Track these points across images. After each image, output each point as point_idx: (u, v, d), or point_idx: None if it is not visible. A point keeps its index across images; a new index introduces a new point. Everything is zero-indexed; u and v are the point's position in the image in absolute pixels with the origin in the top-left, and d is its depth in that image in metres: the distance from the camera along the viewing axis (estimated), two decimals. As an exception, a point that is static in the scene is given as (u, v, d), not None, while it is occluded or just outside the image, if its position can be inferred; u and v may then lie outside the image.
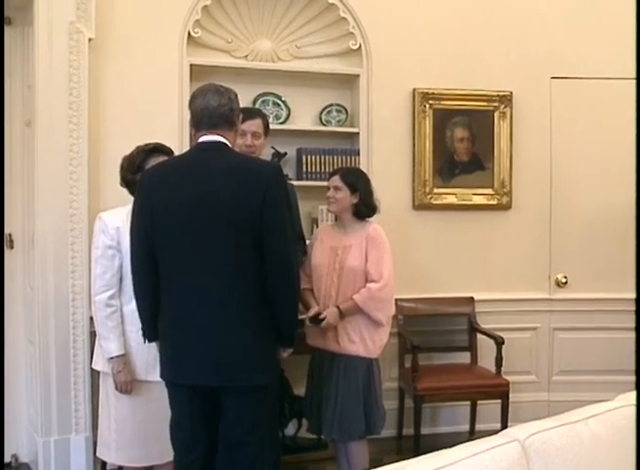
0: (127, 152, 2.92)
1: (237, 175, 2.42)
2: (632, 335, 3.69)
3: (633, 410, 1.93)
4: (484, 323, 4.22)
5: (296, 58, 4.21)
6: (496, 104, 4.34)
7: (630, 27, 3.64)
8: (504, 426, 3.69)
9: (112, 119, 3.74)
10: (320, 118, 4.26)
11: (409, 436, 3.92)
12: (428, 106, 4.26)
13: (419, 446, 3.73)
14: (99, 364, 2.88)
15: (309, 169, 4.12)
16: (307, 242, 3.42)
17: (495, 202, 4.38)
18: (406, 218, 4.26)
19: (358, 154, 4.18)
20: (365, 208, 3.23)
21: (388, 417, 3.42)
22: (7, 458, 3.70)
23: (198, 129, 2.52)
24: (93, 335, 3.08)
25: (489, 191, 4.37)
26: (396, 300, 3.46)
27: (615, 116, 4.30)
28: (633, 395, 2.02)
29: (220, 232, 2.38)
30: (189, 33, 3.91)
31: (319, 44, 4.23)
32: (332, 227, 3.37)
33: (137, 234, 2.51)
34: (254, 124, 3.15)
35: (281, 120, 4.17)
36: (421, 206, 4.28)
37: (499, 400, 3.86)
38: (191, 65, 3.89)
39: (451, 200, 4.33)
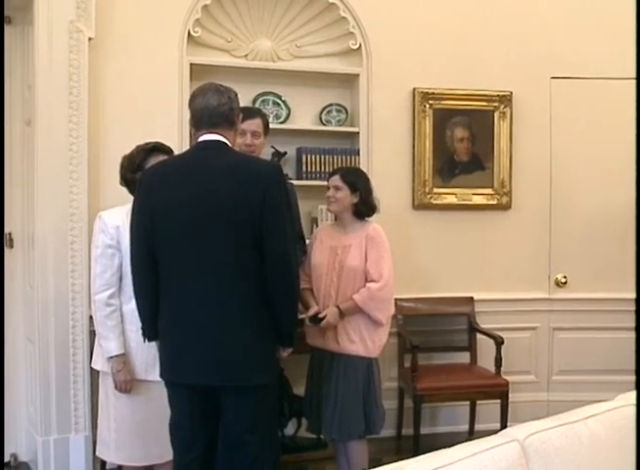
0: (127, 151, 2.92)
1: (237, 175, 2.41)
2: (632, 335, 3.69)
3: (633, 410, 1.93)
4: (484, 323, 4.22)
5: (296, 57, 4.21)
6: (496, 104, 4.34)
7: (630, 27, 3.63)
8: (503, 426, 3.69)
9: (111, 119, 3.74)
10: (320, 118, 4.25)
11: (408, 436, 3.92)
12: (428, 106, 4.26)
13: (418, 445, 3.73)
14: (98, 364, 2.88)
15: (309, 169, 4.12)
16: (307, 241, 3.42)
17: (495, 202, 4.38)
18: (406, 218, 4.26)
19: (358, 153, 4.17)
20: (365, 207, 3.23)
21: (388, 417, 3.42)
22: (6, 457, 3.70)
23: (198, 129, 2.52)
24: (93, 334, 3.07)
25: (489, 191, 4.37)
26: (396, 299, 3.46)
27: (615, 116, 4.30)
28: (633, 395, 2.02)
29: (220, 231, 2.38)
30: (189, 33, 3.91)
31: (319, 44, 4.23)
32: (331, 227, 3.37)
33: (137, 233, 2.51)
34: (254, 124, 3.15)
35: (281, 120, 4.17)
36: (421, 205, 4.28)
37: (498, 400, 3.86)
38: (191, 64, 3.89)
39: (451, 200, 4.33)
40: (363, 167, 3.94)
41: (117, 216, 2.81)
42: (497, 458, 1.63)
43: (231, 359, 2.41)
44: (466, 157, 4.35)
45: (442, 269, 4.30)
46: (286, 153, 4.09)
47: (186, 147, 3.51)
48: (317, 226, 4.03)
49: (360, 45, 4.16)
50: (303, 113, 4.26)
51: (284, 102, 4.19)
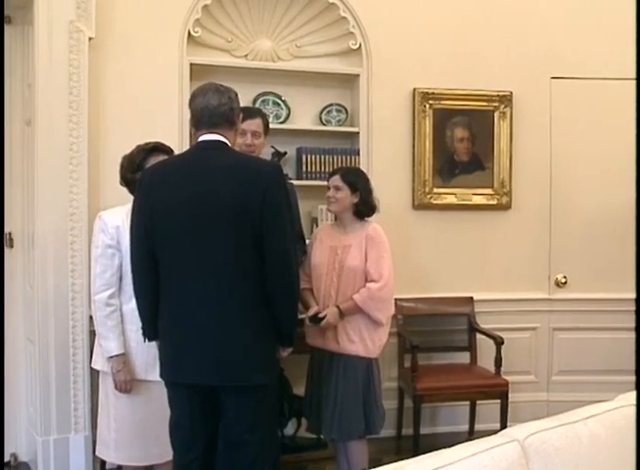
0: (127, 151, 2.92)
1: (237, 175, 2.41)
2: (632, 335, 3.69)
3: (633, 410, 1.93)
4: (484, 323, 4.22)
5: (296, 57, 4.21)
6: (496, 104, 4.34)
7: (630, 27, 3.63)
8: (503, 426, 3.69)
9: (112, 118, 3.74)
10: (320, 118, 4.25)
11: (408, 436, 3.92)
12: (428, 106, 4.26)
13: (418, 445, 3.73)
14: (98, 363, 2.88)
15: (309, 169, 4.12)
16: (307, 241, 3.42)
17: (495, 202, 4.38)
18: (406, 218, 4.26)
19: (358, 154, 4.17)
20: (365, 207, 3.23)
21: (388, 417, 3.42)
22: (6, 457, 3.70)
23: (198, 128, 2.51)
24: (93, 334, 3.07)
25: (489, 191, 4.37)
26: (396, 299, 3.46)
27: (614, 116, 4.30)
28: (633, 395, 2.02)
29: (220, 231, 2.38)
30: (189, 32, 3.91)
31: (319, 44, 4.23)
32: (331, 227, 3.37)
33: (137, 233, 2.51)
34: (254, 124, 3.15)
35: (281, 120, 4.17)
36: (421, 205, 4.28)
37: (498, 400, 3.86)
38: (191, 64, 3.89)
39: (451, 200, 4.33)
40: (363, 167, 3.94)
41: (117, 216, 2.80)
42: (497, 458, 1.63)
43: (231, 359, 2.41)
44: (466, 157, 4.35)
45: (442, 269, 4.30)
46: (286, 153, 4.09)
47: (186, 147, 3.51)
48: (317, 226, 4.02)
49: (360, 45, 4.16)
50: (303, 113, 4.26)
51: (284, 102, 4.19)
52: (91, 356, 3.07)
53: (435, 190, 4.30)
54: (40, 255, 3.43)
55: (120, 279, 2.79)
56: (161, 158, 2.78)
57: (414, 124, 4.25)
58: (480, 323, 4.23)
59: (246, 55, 4.14)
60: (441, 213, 4.32)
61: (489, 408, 3.97)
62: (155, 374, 2.64)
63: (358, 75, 4.18)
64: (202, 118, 2.48)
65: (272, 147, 4.00)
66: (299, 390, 3.55)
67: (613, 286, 4.30)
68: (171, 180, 2.47)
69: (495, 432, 1.81)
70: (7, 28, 3.66)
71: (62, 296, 3.45)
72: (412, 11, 4.22)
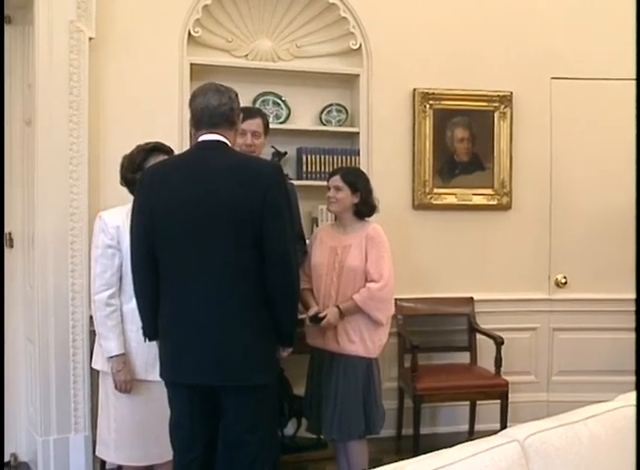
0: (127, 151, 2.92)
1: (237, 175, 2.41)
2: (632, 335, 3.69)
3: (633, 411, 1.93)
4: (484, 323, 4.22)
5: (296, 57, 4.21)
6: (496, 104, 4.34)
7: (630, 27, 3.64)
8: (503, 426, 3.69)
9: (112, 118, 3.74)
10: (320, 118, 4.25)
11: (408, 436, 3.92)
12: (428, 106, 4.26)
13: (418, 445, 3.73)
14: (98, 363, 2.88)
15: (309, 169, 4.12)
16: (307, 242, 3.42)
17: (495, 202, 4.38)
18: (406, 218, 4.26)
19: (358, 154, 4.17)
20: (365, 207, 3.23)
21: (388, 417, 3.42)
22: (6, 457, 3.70)
23: (198, 128, 2.51)
24: (93, 334, 3.07)
25: (489, 191, 4.37)
26: (396, 300, 3.46)
27: (614, 116, 4.30)
28: (633, 395, 2.02)
29: (220, 232, 2.38)
30: (189, 32, 3.91)
31: (319, 44, 4.23)
32: (331, 227, 3.37)
33: (137, 233, 2.51)
34: (255, 124, 3.15)
35: (281, 120, 4.17)
36: (421, 206, 4.28)
37: (498, 401, 3.86)
38: (191, 64, 3.89)
39: (451, 200, 4.33)
40: (363, 168, 3.94)
41: (118, 216, 2.80)
42: (497, 458, 1.63)
43: (231, 359, 2.41)
44: (466, 157, 4.35)
45: (442, 269, 4.30)
46: (286, 153, 4.09)
47: (186, 147, 3.51)
48: (317, 226, 4.03)
49: (360, 45, 4.16)
50: (304, 113, 4.26)
51: (284, 102, 4.19)
52: (91, 356, 3.07)
53: (436, 190, 4.30)
54: (40, 255, 3.43)
55: (121, 279, 2.79)
56: (161, 158, 2.78)
57: (414, 124, 4.25)
58: (480, 323, 4.23)
59: (246, 55, 4.14)
60: (441, 214, 4.32)
61: (489, 408, 3.97)
62: (155, 374, 2.64)
63: (358, 76, 4.18)
64: (202, 118, 2.48)
65: (272, 147, 4.00)
66: (299, 390, 3.55)
67: (613, 286, 4.30)
68: (171, 180, 2.47)
69: (495, 432, 1.81)
70: (7, 28, 3.66)
71: (62, 296, 3.45)
72: (412, 11, 4.22)
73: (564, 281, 4.41)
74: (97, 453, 3.00)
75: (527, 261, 4.41)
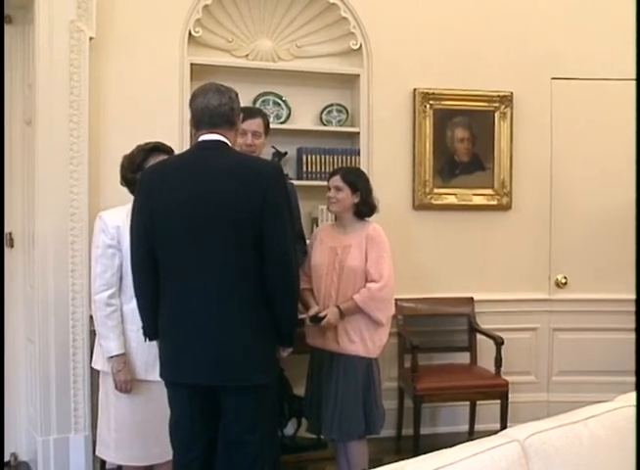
0: (128, 151, 2.92)
1: (237, 175, 2.42)
2: (632, 336, 3.69)
3: (633, 411, 1.93)
4: (484, 323, 4.22)
5: (296, 57, 4.21)
6: (496, 104, 4.34)
7: (630, 27, 3.64)
8: (503, 426, 3.69)
9: (112, 118, 3.74)
10: (320, 118, 4.25)
11: (408, 436, 3.92)
12: (428, 106, 4.26)
13: (418, 446, 3.73)
14: (99, 363, 2.88)
15: (309, 169, 4.12)
16: (307, 242, 3.42)
17: (495, 202, 4.38)
18: (406, 218, 4.26)
19: (358, 154, 4.18)
20: (365, 207, 3.23)
21: (388, 417, 3.42)
22: (6, 457, 3.70)
23: (198, 128, 2.52)
24: (93, 334, 3.07)
25: (489, 191, 4.37)
26: (396, 300, 3.46)
27: (614, 116, 4.30)
28: (633, 395, 2.02)
29: (220, 231, 2.38)
30: (190, 32, 3.91)
31: (320, 44, 4.23)
32: (331, 227, 3.37)
33: (137, 233, 2.51)
34: (255, 124, 3.15)
35: (281, 120, 4.17)
36: (421, 206, 4.28)
37: (498, 401, 3.86)
38: (191, 64, 3.89)
39: (451, 200, 4.33)
40: (363, 168, 3.94)
41: (118, 216, 2.80)
42: (497, 458, 1.63)
43: (231, 359, 2.41)
44: (466, 157, 4.35)
45: (442, 270, 4.30)
46: (286, 153, 4.09)
47: (186, 147, 3.51)
48: (317, 226, 4.02)
49: (361, 45, 4.16)
50: (304, 113, 4.26)
51: (284, 102, 4.19)
52: (91, 356, 3.08)
53: (436, 190, 4.30)
54: (40, 255, 3.43)
55: (121, 279, 2.79)
56: (162, 158, 2.78)
57: (414, 125, 4.25)
58: (480, 323, 4.23)
59: (246, 55, 4.14)
60: (441, 214, 4.32)
61: (489, 409, 3.98)
62: (155, 374, 2.64)
63: (359, 76, 4.18)
64: (202, 118, 2.48)
65: (273, 147, 4.00)
66: (299, 390, 3.55)
67: (613, 286, 4.30)
68: (171, 180, 2.47)
69: (495, 432, 1.81)
70: (7, 28, 3.66)
71: (62, 296, 3.45)
72: (412, 11, 4.22)
73: (564, 281, 4.41)
74: (97, 453, 3.00)
75: (528, 262, 4.41)
